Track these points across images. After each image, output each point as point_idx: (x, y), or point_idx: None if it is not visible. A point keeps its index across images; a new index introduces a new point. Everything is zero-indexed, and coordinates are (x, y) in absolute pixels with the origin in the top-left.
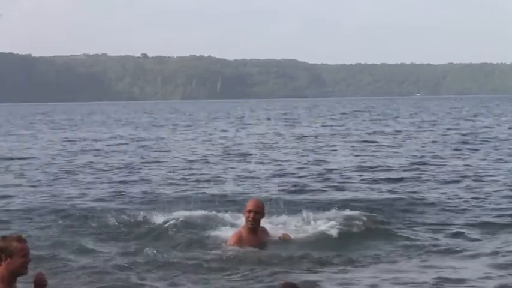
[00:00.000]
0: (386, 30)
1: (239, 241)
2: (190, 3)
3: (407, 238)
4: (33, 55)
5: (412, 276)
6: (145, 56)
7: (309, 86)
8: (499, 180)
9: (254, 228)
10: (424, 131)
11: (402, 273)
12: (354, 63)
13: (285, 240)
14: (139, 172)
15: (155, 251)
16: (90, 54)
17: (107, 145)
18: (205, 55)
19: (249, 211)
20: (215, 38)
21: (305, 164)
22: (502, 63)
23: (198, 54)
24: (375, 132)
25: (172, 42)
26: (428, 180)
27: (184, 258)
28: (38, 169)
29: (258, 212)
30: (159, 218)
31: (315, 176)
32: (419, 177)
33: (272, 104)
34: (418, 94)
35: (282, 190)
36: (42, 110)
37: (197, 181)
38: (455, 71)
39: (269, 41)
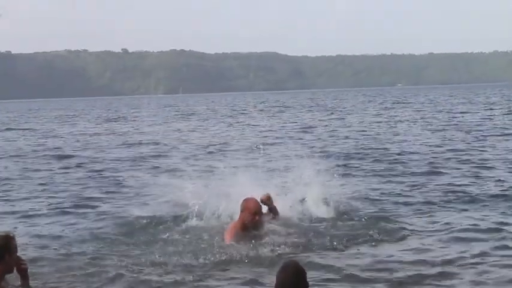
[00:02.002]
0: (366, 21)
1: (236, 237)
2: None
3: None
4: (13, 52)
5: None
6: (125, 51)
7: (289, 78)
8: None
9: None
10: None
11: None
12: (334, 55)
13: (266, 201)
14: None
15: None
16: (72, 50)
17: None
18: (186, 49)
19: (255, 214)
20: (195, 32)
21: None
22: (481, 52)
23: (178, 49)
24: None
25: (152, 37)
26: None
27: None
28: None
29: (261, 214)
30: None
31: None
32: None
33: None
34: (399, 85)
35: None
36: (58, 106)
37: None
38: (435, 61)
39: (250, 33)
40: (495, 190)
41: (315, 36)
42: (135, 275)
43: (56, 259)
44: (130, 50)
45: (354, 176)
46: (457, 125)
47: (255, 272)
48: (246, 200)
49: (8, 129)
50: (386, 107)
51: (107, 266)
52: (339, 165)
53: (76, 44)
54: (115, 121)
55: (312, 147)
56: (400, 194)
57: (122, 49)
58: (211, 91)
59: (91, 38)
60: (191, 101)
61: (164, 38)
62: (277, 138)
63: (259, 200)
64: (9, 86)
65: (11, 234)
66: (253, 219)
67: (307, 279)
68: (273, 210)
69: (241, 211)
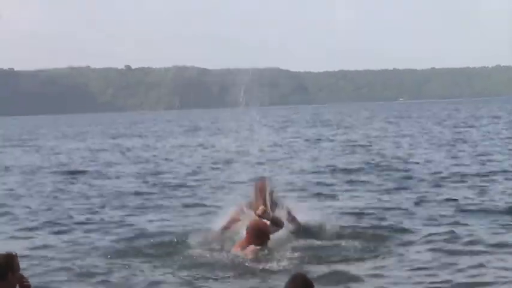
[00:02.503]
0: (368, 36)
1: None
2: (173, 15)
3: None
4: (16, 69)
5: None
6: (128, 67)
7: (292, 93)
8: None
9: None
10: None
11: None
12: (336, 70)
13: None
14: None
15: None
16: (74, 66)
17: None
18: (188, 65)
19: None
20: (198, 48)
21: None
22: (484, 66)
23: (181, 65)
24: None
25: (155, 53)
26: None
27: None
28: None
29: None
30: None
31: None
32: None
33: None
34: (401, 99)
35: None
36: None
37: None
38: (437, 76)
39: (252, 49)
40: (501, 203)
41: (317, 51)
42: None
43: (68, 275)
44: (133, 67)
45: (360, 190)
46: (463, 139)
47: (263, 284)
48: (253, 225)
49: (16, 145)
50: (390, 121)
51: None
52: (346, 181)
53: (78, 60)
54: (138, 137)
55: (316, 159)
56: (406, 208)
57: (125, 66)
58: (215, 107)
59: (93, 55)
60: (205, 116)
61: (167, 54)
62: (284, 153)
63: (256, 214)
64: (12, 102)
65: (13, 253)
66: (262, 241)
67: None
68: (274, 221)
69: (249, 232)
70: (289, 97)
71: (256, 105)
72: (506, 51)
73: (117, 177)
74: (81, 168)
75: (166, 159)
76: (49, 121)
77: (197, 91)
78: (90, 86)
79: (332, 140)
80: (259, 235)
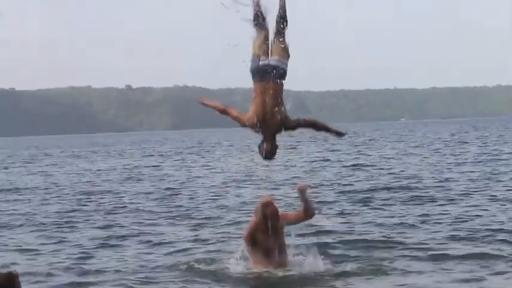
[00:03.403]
0: (369, 56)
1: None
2: (172, 34)
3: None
4: (17, 89)
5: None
6: (129, 87)
7: (293, 113)
8: None
9: None
10: None
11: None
12: (337, 90)
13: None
14: None
15: None
16: (75, 86)
17: None
18: (189, 85)
19: (264, 209)
20: (198, 68)
21: None
22: (485, 86)
23: (182, 84)
24: None
25: (156, 73)
26: None
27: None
28: None
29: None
30: None
31: None
32: None
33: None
34: (402, 119)
35: None
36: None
37: None
38: (438, 95)
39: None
40: None
41: (318, 71)
42: None
43: None
44: (134, 86)
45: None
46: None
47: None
48: (263, 203)
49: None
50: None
51: None
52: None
53: (79, 80)
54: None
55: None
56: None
57: (126, 85)
58: (216, 126)
59: (94, 75)
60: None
61: (168, 74)
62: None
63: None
64: (13, 122)
65: (14, 272)
66: (266, 223)
67: None
68: (305, 203)
69: (258, 212)
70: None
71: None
72: (507, 71)
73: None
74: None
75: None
76: (54, 141)
77: (198, 111)
78: (91, 105)
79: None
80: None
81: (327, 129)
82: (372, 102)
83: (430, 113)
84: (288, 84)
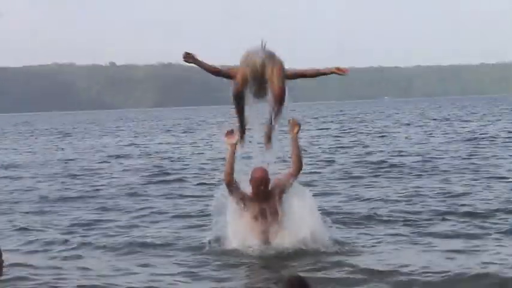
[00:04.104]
0: (353, 34)
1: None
2: (158, 12)
3: None
4: (0, 65)
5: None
6: (113, 64)
7: None
8: None
9: None
10: None
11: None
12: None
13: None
14: None
15: None
16: (59, 63)
17: None
18: (174, 62)
19: (259, 184)
20: (183, 45)
21: None
22: (469, 64)
23: (166, 62)
24: None
25: (140, 50)
26: None
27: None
28: None
29: (267, 184)
30: None
31: None
32: None
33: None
34: (386, 97)
35: None
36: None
37: None
38: (422, 73)
39: (238, 46)
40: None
41: (302, 48)
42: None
43: None
44: (118, 63)
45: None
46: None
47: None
48: (253, 170)
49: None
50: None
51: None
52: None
53: (63, 57)
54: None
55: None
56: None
57: (110, 62)
58: (200, 104)
59: (78, 52)
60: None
61: (152, 51)
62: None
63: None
64: None
65: None
66: (258, 190)
67: None
68: (294, 148)
69: (249, 180)
70: None
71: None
72: (492, 49)
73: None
74: None
75: None
76: (46, 118)
77: (183, 88)
78: (75, 83)
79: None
80: (259, 174)
81: (320, 73)
82: (356, 80)
83: (414, 91)
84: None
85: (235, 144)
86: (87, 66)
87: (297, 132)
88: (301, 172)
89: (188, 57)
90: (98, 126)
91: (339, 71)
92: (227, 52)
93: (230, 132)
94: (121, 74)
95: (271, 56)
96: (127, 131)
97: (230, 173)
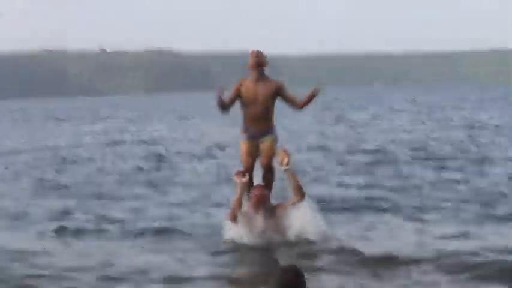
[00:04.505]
0: (343, 20)
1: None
2: None
3: None
4: None
5: None
6: (103, 51)
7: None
8: None
9: None
10: None
11: None
12: (312, 54)
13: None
14: None
15: None
16: (49, 49)
17: None
18: (165, 48)
19: (257, 202)
20: (175, 31)
21: None
22: (459, 51)
23: (157, 47)
24: None
25: (131, 36)
26: None
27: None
28: None
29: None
30: None
31: None
32: None
33: None
34: (376, 84)
35: None
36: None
37: None
38: (412, 60)
39: (230, 32)
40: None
41: (293, 35)
42: None
43: None
44: (108, 50)
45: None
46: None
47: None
48: (252, 188)
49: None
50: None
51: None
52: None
53: (54, 43)
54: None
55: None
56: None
57: (100, 49)
58: (190, 90)
59: (69, 37)
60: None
61: (143, 37)
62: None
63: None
64: None
65: None
66: (258, 208)
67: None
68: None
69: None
70: None
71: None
72: (483, 36)
73: None
74: None
75: None
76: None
77: (174, 75)
78: (66, 69)
79: None
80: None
81: (305, 103)
82: (346, 66)
83: (403, 78)
84: (263, 47)
85: (246, 183)
86: (78, 52)
87: (287, 164)
88: (304, 199)
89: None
90: (91, 112)
91: (313, 93)
92: (225, 42)
93: (240, 173)
94: (112, 61)
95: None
96: (122, 119)
97: (238, 210)
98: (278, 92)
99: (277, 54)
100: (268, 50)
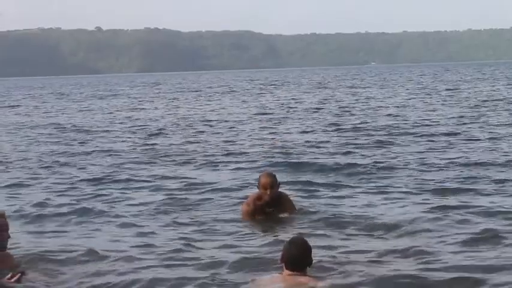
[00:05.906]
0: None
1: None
2: None
3: None
4: None
5: None
6: (99, 29)
7: (264, 57)
8: None
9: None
10: None
11: None
12: (308, 33)
13: None
14: None
15: None
16: (45, 28)
17: None
18: (160, 27)
19: (266, 189)
20: (170, 10)
21: None
22: (455, 30)
23: (152, 27)
24: None
25: (126, 14)
26: None
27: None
28: None
29: (275, 188)
30: None
31: None
32: None
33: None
34: (373, 63)
35: None
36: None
37: None
38: (409, 39)
39: (224, 12)
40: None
41: (289, 14)
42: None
43: None
44: (104, 28)
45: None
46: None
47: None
48: (260, 176)
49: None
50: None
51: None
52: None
53: (49, 22)
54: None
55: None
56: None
57: (96, 27)
58: (186, 70)
59: (64, 16)
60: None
61: (138, 16)
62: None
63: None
64: None
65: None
66: (265, 194)
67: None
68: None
69: (257, 186)
70: (261, 62)
71: (228, 69)
72: (477, 16)
73: None
74: None
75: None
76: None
77: (169, 54)
78: (61, 48)
79: None
80: (266, 179)
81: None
82: (343, 46)
83: (400, 57)
84: (258, 27)
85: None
86: (73, 30)
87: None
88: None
89: None
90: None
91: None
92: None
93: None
94: (107, 39)
95: None
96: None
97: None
98: None
99: (273, 33)
100: (264, 29)
